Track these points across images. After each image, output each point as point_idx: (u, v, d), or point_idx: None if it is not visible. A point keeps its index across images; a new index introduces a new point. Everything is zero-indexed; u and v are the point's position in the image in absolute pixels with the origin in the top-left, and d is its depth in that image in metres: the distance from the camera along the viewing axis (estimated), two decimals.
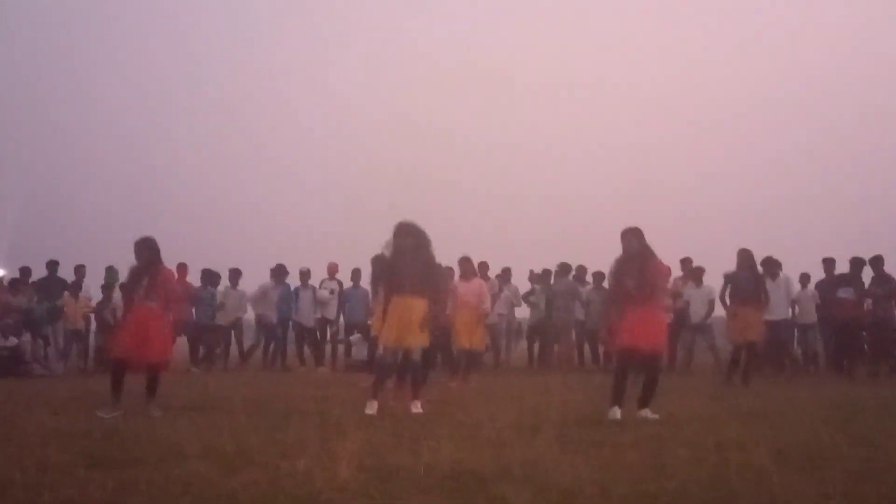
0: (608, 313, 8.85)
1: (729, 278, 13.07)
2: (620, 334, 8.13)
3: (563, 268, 17.53)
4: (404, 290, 8.49)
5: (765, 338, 13.21)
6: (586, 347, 17.54)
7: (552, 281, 17.54)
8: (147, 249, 8.43)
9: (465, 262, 13.19)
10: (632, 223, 8.26)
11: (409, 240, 8.57)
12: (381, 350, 8.84)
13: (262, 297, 17.41)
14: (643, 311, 7.95)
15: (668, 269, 15.59)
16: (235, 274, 17.60)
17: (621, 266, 8.21)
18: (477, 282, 13.31)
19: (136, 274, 8.48)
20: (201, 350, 17.15)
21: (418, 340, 8.55)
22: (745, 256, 12.73)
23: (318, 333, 17.58)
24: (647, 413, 7.71)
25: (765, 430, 6.32)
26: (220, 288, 17.46)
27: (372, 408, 8.14)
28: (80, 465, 4.98)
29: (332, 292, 17.34)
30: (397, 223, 8.66)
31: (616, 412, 7.77)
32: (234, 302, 17.42)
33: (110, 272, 16.75)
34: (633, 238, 8.16)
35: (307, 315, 17.33)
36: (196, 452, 5.31)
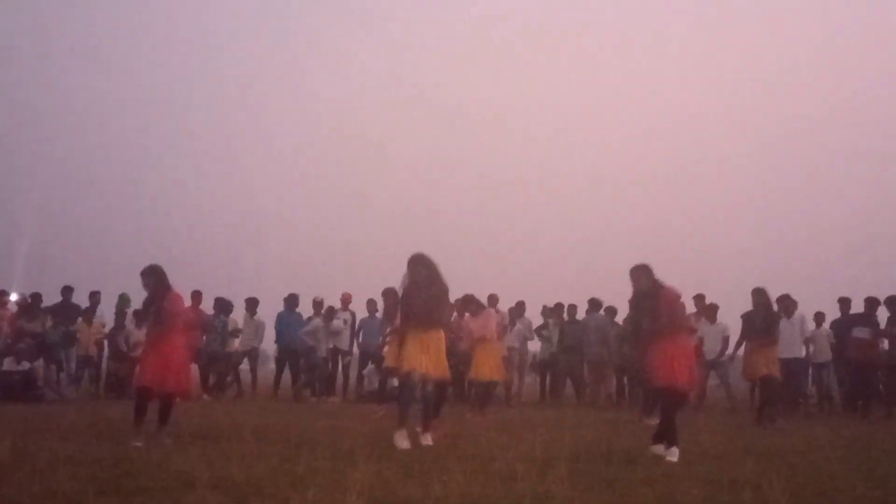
0: (640, 354, 8.81)
1: (747, 319, 13.02)
2: (657, 373, 8.03)
3: (594, 303, 17.50)
4: (419, 320, 8.50)
5: (779, 375, 13.13)
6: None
7: (567, 316, 17.52)
8: (151, 277, 8.47)
9: (467, 301, 13.27)
10: (643, 259, 8.23)
11: (423, 270, 8.60)
12: (404, 377, 8.74)
13: (313, 332, 17.42)
14: (669, 347, 7.88)
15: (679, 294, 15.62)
16: (252, 303, 17.66)
17: (634, 306, 8.19)
18: (486, 314, 13.31)
19: (145, 303, 8.55)
20: (211, 378, 17.15)
21: (437, 371, 8.53)
22: (759, 295, 12.67)
23: (329, 364, 17.58)
24: (660, 450, 7.60)
25: (779, 468, 6.24)
26: (236, 316, 17.52)
27: (402, 439, 8.08)
28: (90, 492, 4.95)
29: (345, 322, 17.36)
30: (411, 255, 8.69)
31: (674, 452, 7.50)
32: (250, 331, 17.48)
33: (122, 299, 16.84)
34: (641, 275, 8.12)
35: (320, 346, 17.33)
36: (205, 482, 5.28)
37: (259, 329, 17.61)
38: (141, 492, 5.06)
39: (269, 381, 18.31)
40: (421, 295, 8.53)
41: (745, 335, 12.84)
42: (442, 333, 8.64)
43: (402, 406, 8.54)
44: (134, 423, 8.15)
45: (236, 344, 17.53)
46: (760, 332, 12.42)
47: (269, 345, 18.24)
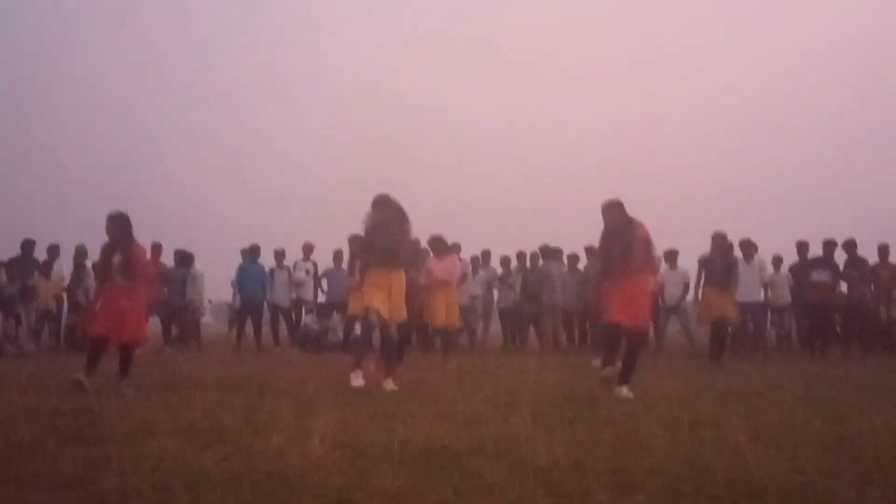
0: (598, 288, 8.85)
1: (703, 262, 13.10)
2: (606, 311, 8.13)
3: (554, 252, 17.49)
4: (382, 263, 8.45)
5: (737, 318, 13.28)
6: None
7: (529, 263, 17.54)
8: (118, 225, 8.28)
9: (436, 240, 13.14)
10: (613, 196, 8.22)
11: (388, 211, 8.53)
12: (362, 319, 8.74)
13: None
14: (629, 285, 7.93)
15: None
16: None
17: (606, 240, 8.17)
18: (451, 259, 13.26)
19: (107, 251, 8.33)
20: (174, 330, 17.05)
21: (396, 314, 8.52)
22: (718, 240, 12.75)
23: (293, 314, 17.54)
24: (624, 391, 7.68)
25: (739, 407, 6.32)
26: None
27: (358, 379, 8.10)
28: (50, 441, 4.90)
29: (307, 273, 17.28)
30: (375, 196, 8.62)
31: (609, 371, 7.82)
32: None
33: (79, 251, 16.57)
34: (613, 211, 8.11)
35: (283, 296, 17.27)
36: (168, 430, 5.25)
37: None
38: (101, 440, 5.01)
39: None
40: (385, 236, 8.47)
41: (705, 280, 12.92)
42: (403, 276, 8.60)
43: (361, 347, 8.56)
44: (86, 367, 8.06)
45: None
46: (720, 276, 12.52)
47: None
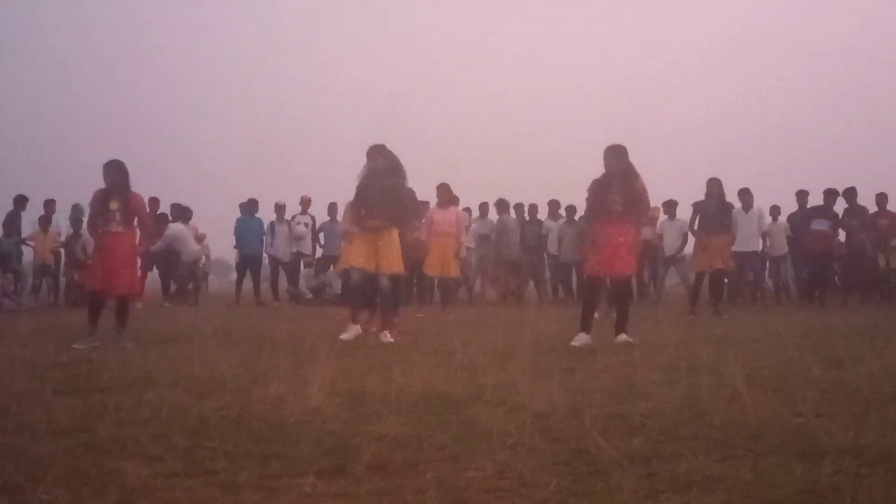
0: (586, 234, 8.80)
1: (698, 208, 12.99)
2: (589, 260, 8.13)
3: (553, 205, 17.50)
4: (374, 214, 8.39)
5: (733, 267, 13.25)
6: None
7: (528, 216, 17.52)
8: (116, 172, 8.15)
9: (442, 188, 12.93)
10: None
11: (381, 161, 8.44)
12: (352, 274, 8.70)
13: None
14: (620, 234, 7.89)
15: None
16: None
17: (602, 184, 8.08)
18: (454, 210, 13.14)
19: (103, 196, 8.13)
20: (172, 285, 17.04)
21: (389, 267, 8.46)
22: (714, 186, 12.64)
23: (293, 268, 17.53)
24: (623, 338, 7.71)
25: (736, 354, 6.30)
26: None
27: (349, 332, 8.08)
28: (48, 391, 4.90)
29: (306, 226, 17.23)
30: (370, 146, 8.53)
31: (582, 338, 7.77)
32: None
33: (76, 209, 16.52)
34: (614, 155, 8.02)
35: (283, 250, 17.22)
36: (166, 380, 5.26)
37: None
38: (100, 390, 5.03)
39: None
40: (378, 186, 8.39)
41: (699, 224, 12.78)
42: (394, 228, 8.53)
43: (351, 303, 8.55)
44: (88, 325, 8.04)
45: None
46: (714, 221, 12.45)
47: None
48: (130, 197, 8.17)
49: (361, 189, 8.51)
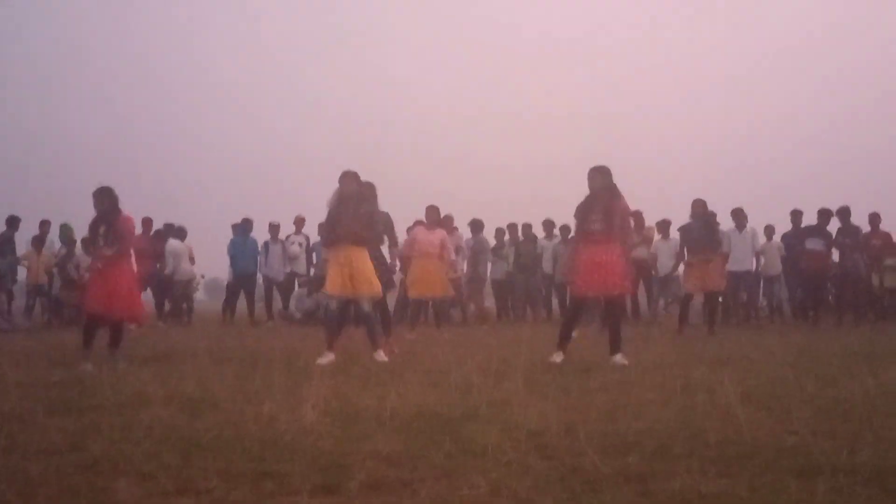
0: (572, 255, 8.84)
1: (683, 231, 13.01)
2: (576, 279, 8.16)
3: (548, 225, 17.57)
4: (345, 237, 8.42)
5: (725, 286, 13.25)
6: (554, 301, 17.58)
7: (522, 235, 17.53)
8: (105, 197, 8.23)
9: (431, 210, 12.89)
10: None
11: (353, 187, 8.48)
12: (330, 302, 8.76)
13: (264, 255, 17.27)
14: (604, 253, 7.91)
15: (638, 212, 15.66)
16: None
17: (585, 205, 8.13)
18: (440, 232, 13.09)
19: (94, 224, 8.31)
20: (166, 305, 17.01)
21: (367, 290, 8.48)
22: (696, 207, 12.65)
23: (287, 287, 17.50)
24: (618, 358, 7.71)
25: (731, 373, 6.29)
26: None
27: (325, 359, 8.04)
28: (40, 411, 4.88)
29: (300, 246, 17.21)
30: (342, 172, 8.56)
31: (558, 356, 7.89)
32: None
33: (64, 229, 16.50)
34: (598, 176, 8.06)
35: (277, 269, 17.21)
36: (160, 399, 5.22)
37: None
38: (93, 410, 5.00)
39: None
40: (349, 212, 8.43)
41: (688, 248, 12.81)
42: (366, 251, 8.55)
43: (328, 330, 8.58)
44: (82, 348, 8.04)
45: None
46: (699, 243, 12.45)
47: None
48: (118, 221, 8.22)
49: (331, 216, 8.55)
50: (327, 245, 8.70)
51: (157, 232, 17.02)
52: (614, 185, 8.07)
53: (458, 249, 15.65)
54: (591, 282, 7.97)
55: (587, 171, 8.14)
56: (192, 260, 17.42)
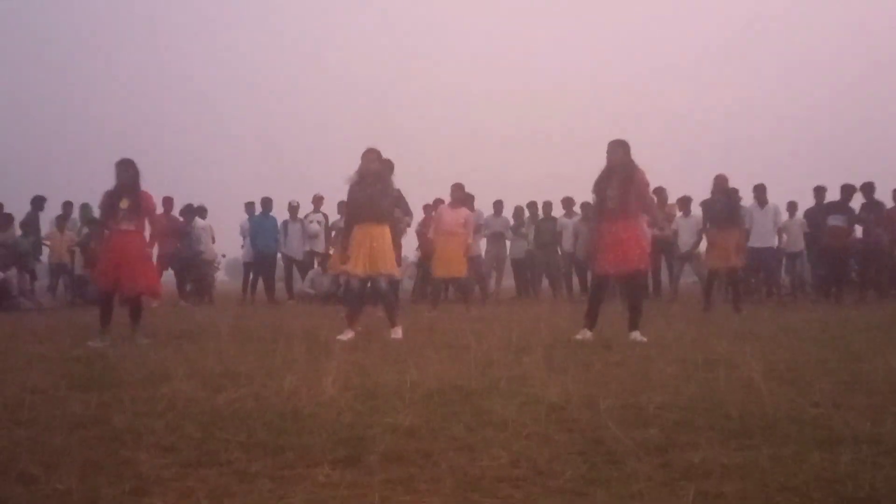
0: (592, 234, 8.80)
1: (705, 206, 12.94)
2: (598, 257, 8.12)
3: (567, 203, 17.52)
4: (363, 215, 8.42)
5: (746, 262, 13.16)
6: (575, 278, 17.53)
7: (542, 213, 17.49)
8: (127, 170, 8.10)
9: (456, 188, 12.88)
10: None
11: (374, 166, 8.46)
12: (351, 281, 8.75)
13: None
14: (623, 230, 7.86)
15: (661, 188, 15.60)
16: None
17: (602, 179, 8.07)
18: (464, 211, 13.08)
19: (114, 195, 8.10)
20: (188, 284, 17.10)
21: (385, 268, 8.49)
22: (719, 182, 12.55)
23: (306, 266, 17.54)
24: (636, 335, 7.67)
25: (753, 348, 6.26)
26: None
27: (345, 336, 8.04)
28: (63, 386, 4.93)
29: (319, 224, 17.22)
30: (366, 149, 8.55)
31: (585, 333, 7.86)
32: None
33: (85, 209, 16.61)
34: (618, 149, 7.99)
35: (296, 248, 17.25)
36: (182, 374, 5.24)
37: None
38: (115, 385, 5.03)
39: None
40: (366, 190, 8.42)
41: (708, 221, 12.78)
42: (387, 229, 8.55)
43: (349, 309, 8.59)
44: (100, 325, 8.02)
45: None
46: (720, 218, 12.38)
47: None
48: (141, 196, 8.15)
49: (350, 195, 8.56)
50: (348, 225, 8.69)
51: (183, 210, 17.09)
52: (632, 160, 8.00)
53: (477, 228, 15.62)
54: (613, 259, 7.93)
55: (608, 144, 8.08)
56: (212, 239, 17.52)
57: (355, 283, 8.59)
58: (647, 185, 8.18)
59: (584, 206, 16.94)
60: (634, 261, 7.93)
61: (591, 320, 8.01)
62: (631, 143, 8.06)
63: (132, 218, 8.05)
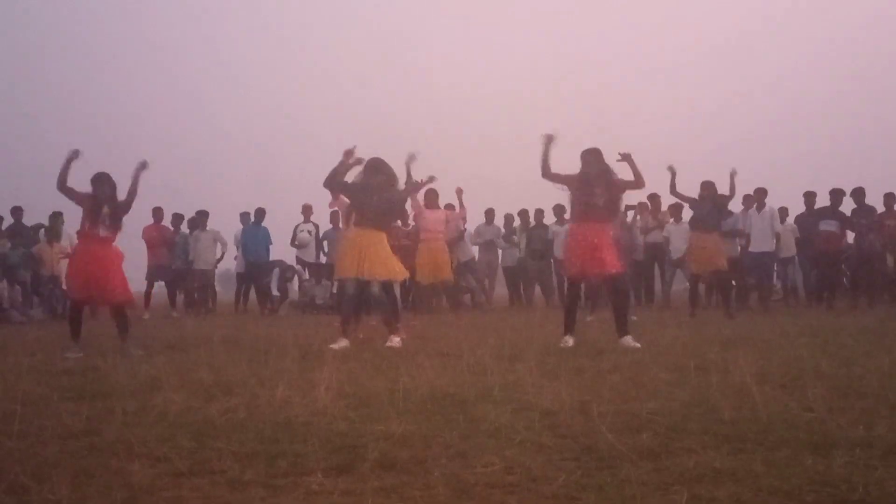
0: (567, 235, 8.86)
1: (693, 203, 12.89)
2: (570, 262, 8.15)
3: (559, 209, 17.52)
4: (371, 223, 8.39)
5: (726, 267, 13.08)
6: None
7: (534, 221, 17.48)
8: (105, 184, 8.14)
9: (430, 193, 12.87)
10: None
11: (380, 176, 8.44)
12: (346, 286, 8.67)
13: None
14: (596, 235, 7.86)
15: (655, 195, 15.69)
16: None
17: (584, 179, 8.09)
18: (442, 211, 13.06)
19: (95, 204, 8.07)
20: (179, 295, 17.05)
21: (381, 273, 8.44)
22: (707, 189, 12.55)
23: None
24: (628, 341, 7.65)
25: (746, 354, 6.25)
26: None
27: (338, 344, 7.99)
28: (55, 397, 4.91)
29: (309, 234, 17.21)
30: (369, 158, 8.52)
31: (567, 340, 7.85)
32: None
33: (55, 217, 16.39)
34: (592, 158, 8.04)
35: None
36: (173, 384, 5.22)
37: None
38: (106, 395, 5.01)
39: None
40: (373, 199, 8.38)
41: (692, 223, 12.79)
42: (383, 236, 8.52)
43: (343, 315, 8.52)
44: (70, 336, 8.00)
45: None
46: (706, 222, 12.39)
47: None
48: (119, 205, 8.19)
49: (356, 204, 8.54)
50: (352, 229, 8.65)
51: (173, 220, 17.06)
52: (608, 166, 8.06)
53: (460, 233, 15.64)
54: (586, 264, 7.93)
55: (581, 152, 8.13)
56: (220, 246, 17.48)
57: (349, 288, 8.51)
58: (623, 191, 8.25)
59: None
60: (606, 263, 7.90)
61: (570, 325, 8.03)
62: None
63: (111, 226, 8.07)
